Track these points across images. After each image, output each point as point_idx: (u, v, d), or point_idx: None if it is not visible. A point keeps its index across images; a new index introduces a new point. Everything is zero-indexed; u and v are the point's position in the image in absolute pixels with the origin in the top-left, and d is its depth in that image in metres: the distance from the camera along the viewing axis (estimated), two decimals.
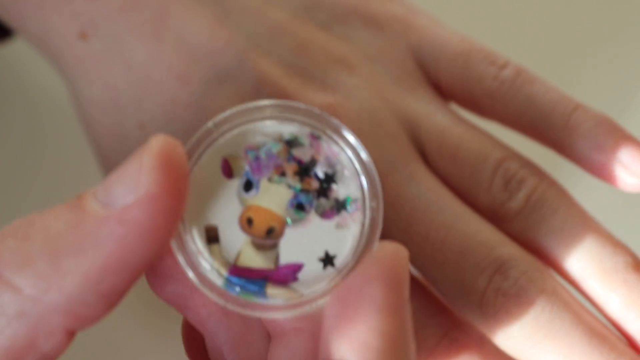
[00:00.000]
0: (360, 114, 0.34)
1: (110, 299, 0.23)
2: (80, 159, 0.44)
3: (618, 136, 0.34)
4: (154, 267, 0.26)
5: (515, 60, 0.36)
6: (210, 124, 0.26)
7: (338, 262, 0.26)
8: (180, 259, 0.25)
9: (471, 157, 0.34)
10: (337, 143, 0.26)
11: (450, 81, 0.36)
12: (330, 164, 0.26)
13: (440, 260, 0.33)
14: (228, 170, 0.26)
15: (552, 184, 0.34)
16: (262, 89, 0.34)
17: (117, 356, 0.43)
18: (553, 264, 0.33)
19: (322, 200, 0.26)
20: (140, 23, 0.35)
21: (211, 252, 0.25)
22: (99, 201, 0.23)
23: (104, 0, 0.35)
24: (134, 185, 0.23)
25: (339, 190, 0.26)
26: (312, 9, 0.37)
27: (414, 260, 0.33)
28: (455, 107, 0.37)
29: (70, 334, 0.24)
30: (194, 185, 0.26)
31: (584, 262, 0.33)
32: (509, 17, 0.52)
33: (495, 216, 0.34)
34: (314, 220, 0.26)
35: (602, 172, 0.34)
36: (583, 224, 0.33)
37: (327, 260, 0.26)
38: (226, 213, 0.26)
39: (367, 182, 0.26)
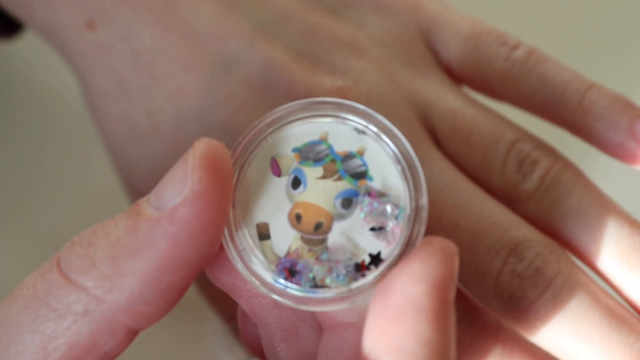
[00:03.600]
0: (370, 97, 0.34)
1: (170, 297, 0.24)
2: (87, 153, 0.44)
3: (634, 114, 0.33)
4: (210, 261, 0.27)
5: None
6: (258, 122, 0.27)
7: (385, 254, 0.26)
8: (231, 254, 0.26)
9: (484, 139, 0.34)
10: (382, 139, 0.27)
11: (461, 63, 0.36)
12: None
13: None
14: (277, 169, 0.27)
15: (567, 164, 0.34)
16: (270, 74, 0.34)
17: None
18: (569, 246, 0.33)
19: (368, 199, 0.26)
20: (146, 11, 0.35)
21: (263, 248, 0.26)
22: (151, 205, 0.24)
23: None
24: (181, 186, 0.24)
25: (386, 183, 0.27)
26: None
27: None
28: (467, 90, 0.37)
29: (132, 333, 0.25)
30: (246, 184, 0.27)
31: (601, 243, 0.32)
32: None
33: (509, 198, 0.33)
34: (360, 214, 0.26)
35: (618, 152, 0.34)
36: (599, 204, 0.33)
37: (375, 253, 0.26)
38: (276, 210, 0.26)
39: (412, 178, 0.26)
